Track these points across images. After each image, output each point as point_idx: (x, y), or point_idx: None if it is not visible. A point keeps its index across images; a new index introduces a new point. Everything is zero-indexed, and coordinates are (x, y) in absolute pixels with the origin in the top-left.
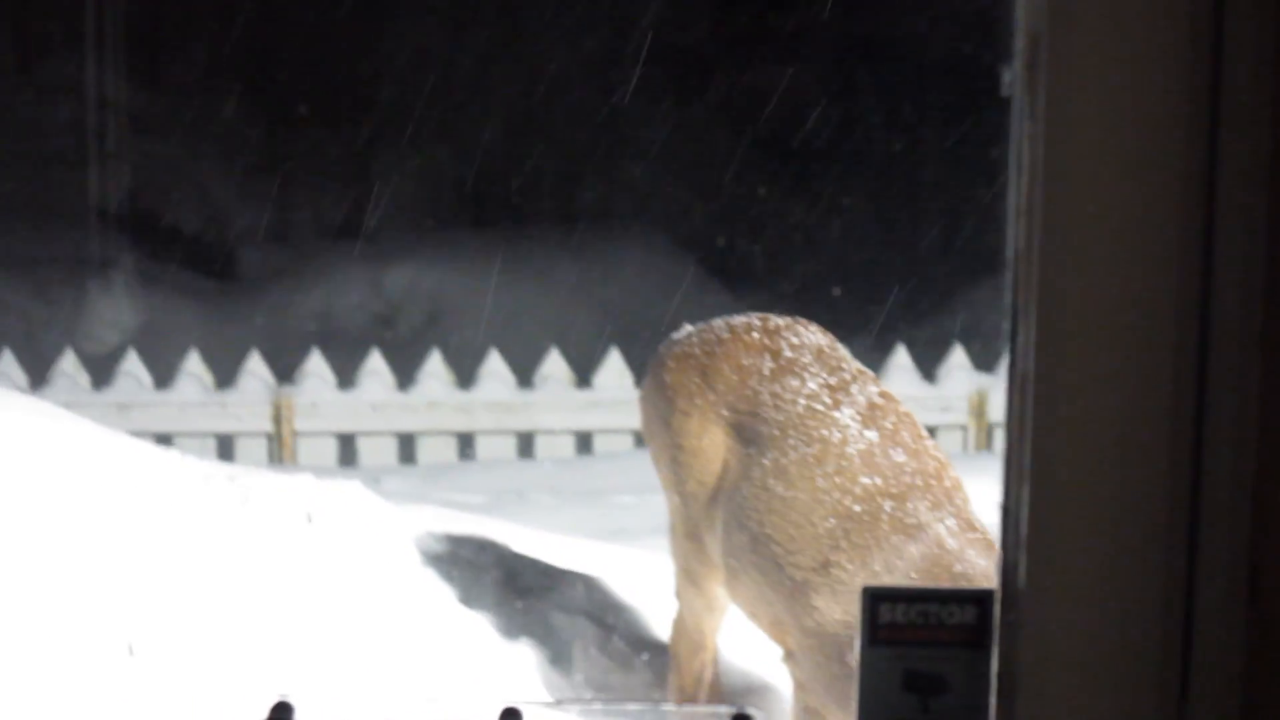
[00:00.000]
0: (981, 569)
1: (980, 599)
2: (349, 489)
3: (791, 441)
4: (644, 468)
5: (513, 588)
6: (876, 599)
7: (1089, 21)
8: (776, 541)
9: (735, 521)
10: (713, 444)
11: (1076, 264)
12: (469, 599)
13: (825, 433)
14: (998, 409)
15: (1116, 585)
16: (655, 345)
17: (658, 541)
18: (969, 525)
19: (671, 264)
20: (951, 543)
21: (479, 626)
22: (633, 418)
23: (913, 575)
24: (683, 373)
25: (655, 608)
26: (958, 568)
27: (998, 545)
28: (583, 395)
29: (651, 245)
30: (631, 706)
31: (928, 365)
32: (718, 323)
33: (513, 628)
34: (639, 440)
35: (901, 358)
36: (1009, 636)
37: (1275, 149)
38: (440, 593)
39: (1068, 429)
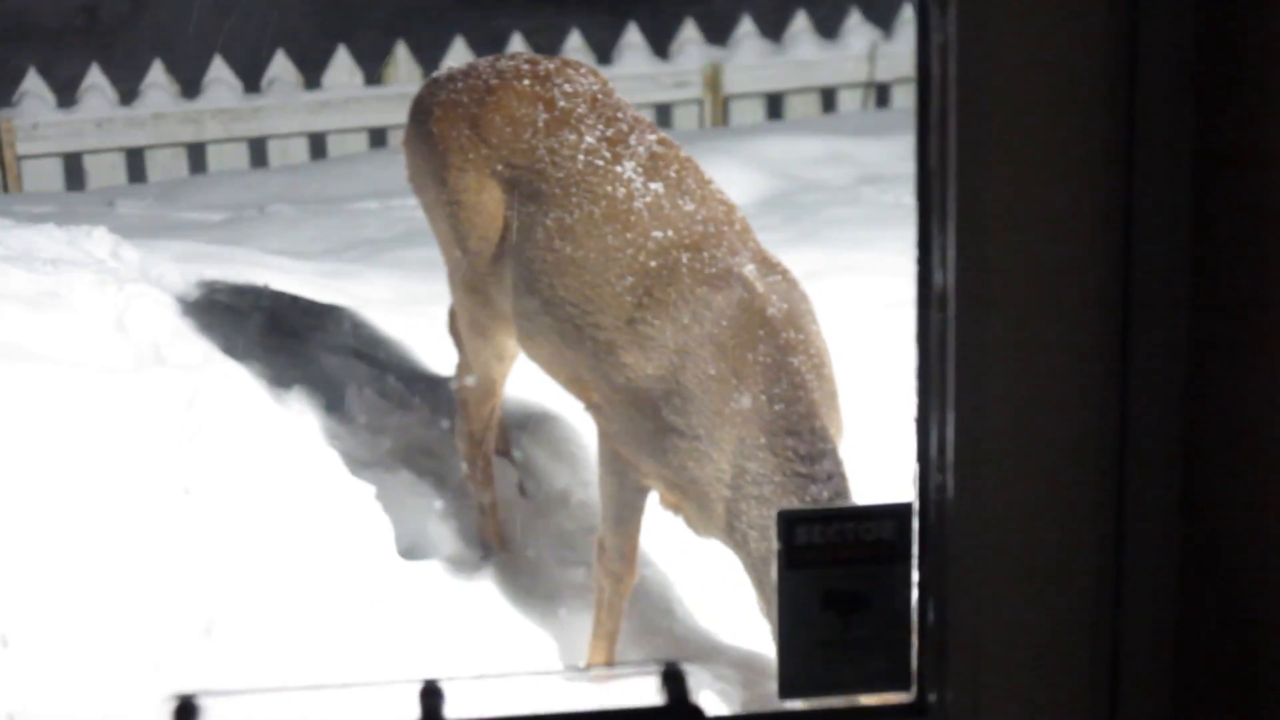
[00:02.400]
0: (787, 311)
1: (898, 513)
2: (98, 237)
3: (575, 200)
4: (382, 170)
5: (280, 331)
6: (791, 522)
7: None
8: (572, 303)
9: (525, 285)
10: (492, 199)
11: (996, 179)
12: (235, 349)
13: (609, 189)
14: (732, 83)
15: (1046, 490)
16: (379, 39)
17: (405, 254)
18: (768, 265)
19: None
20: (759, 286)
21: (245, 381)
22: (366, 117)
23: (723, 323)
24: (452, 124)
25: (420, 335)
26: (770, 310)
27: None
28: (312, 97)
29: None
30: (553, 672)
31: (660, 41)
32: (483, 65)
33: (285, 377)
34: (374, 140)
35: (633, 35)
36: (935, 550)
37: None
38: (205, 348)
39: (992, 348)
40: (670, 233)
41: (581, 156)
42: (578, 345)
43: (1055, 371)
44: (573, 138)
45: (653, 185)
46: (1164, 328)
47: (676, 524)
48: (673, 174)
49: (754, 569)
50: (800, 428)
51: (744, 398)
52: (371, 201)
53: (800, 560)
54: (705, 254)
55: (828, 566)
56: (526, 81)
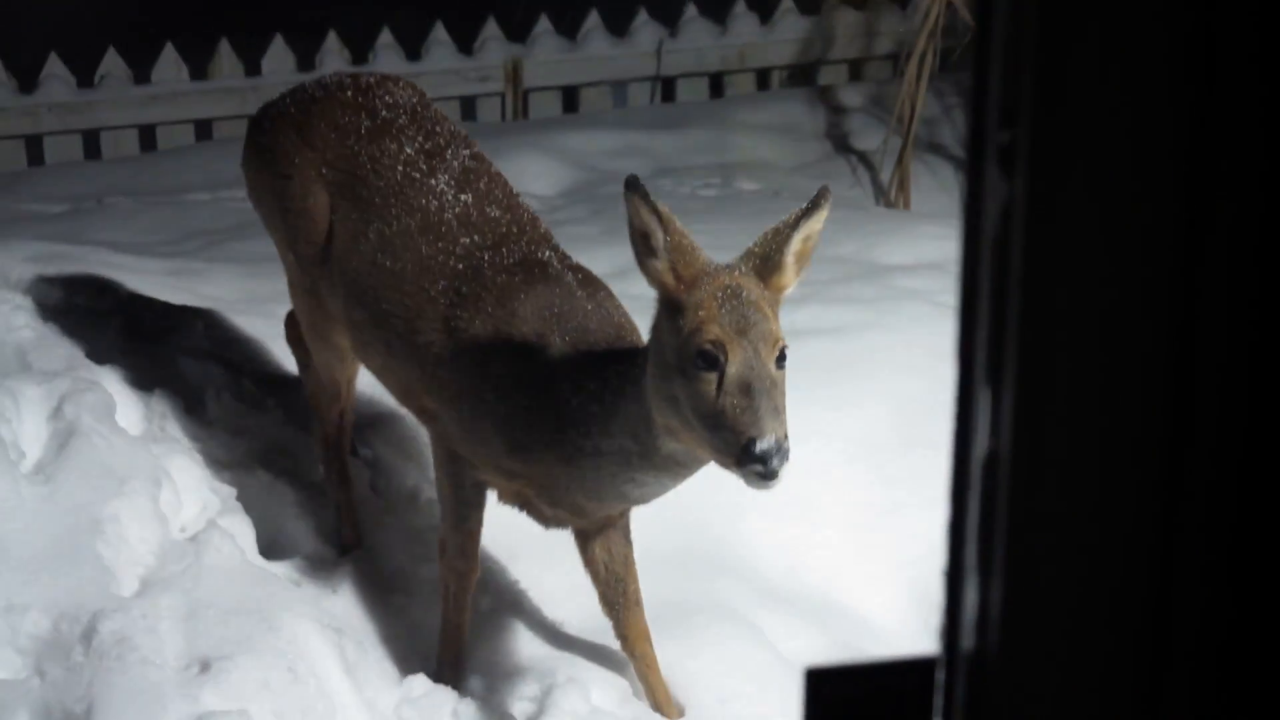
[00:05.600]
0: (590, 291)
1: (922, 668)
2: None
3: (394, 212)
4: (210, 163)
5: (138, 335)
6: (819, 680)
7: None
8: (396, 316)
9: (354, 297)
10: (319, 204)
11: (1060, 347)
12: (97, 354)
13: (424, 201)
14: (531, 77)
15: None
16: (207, 35)
17: (242, 247)
18: (568, 262)
19: None
20: (554, 267)
21: (112, 381)
22: (194, 109)
23: (521, 296)
24: (280, 133)
25: (271, 336)
26: (570, 281)
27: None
28: (142, 91)
29: None
30: None
31: (464, 39)
32: (309, 83)
33: (145, 380)
34: (201, 132)
35: (440, 33)
36: (973, 707)
37: None
38: (68, 353)
39: (1046, 517)
40: (476, 237)
41: (400, 167)
42: (406, 357)
43: (1105, 530)
44: (393, 147)
45: (462, 196)
46: (1213, 511)
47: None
48: (482, 186)
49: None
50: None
51: (560, 371)
52: (203, 193)
53: (824, 717)
54: (504, 249)
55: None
56: (349, 93)
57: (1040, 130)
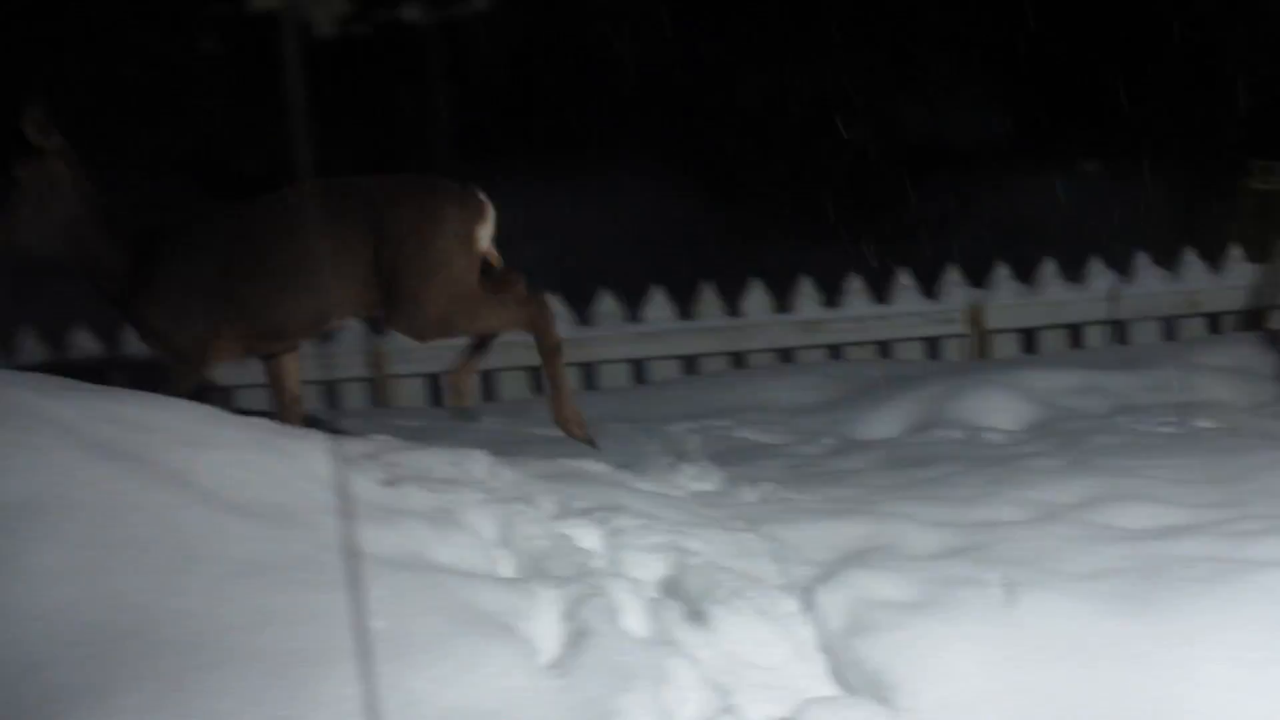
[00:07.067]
0: None
1: None
2: (478, 458)
3: None
4: (693, 396)
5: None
6: None
7: None
8: None
9: None
10: None
11: None
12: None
13: None
14: (992, 320)
15: None
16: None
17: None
18: None
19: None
20: None
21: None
22: (680, 346)
23: None
24: None
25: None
26: None
27: None
28: (634, 328)
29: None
30: None
31: (928, 285)
32: None
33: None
34: (688, 366)
35: (907, 279)
36: None
37: None
38: (580, 560)
39: None
40: None
41: None
42: None
43: None
44: None
45: None
46: None
47: None
48: None
49: None
50: None
51: None
52: (688, 423)
53: None
54: None
55: None
56: None
57: None
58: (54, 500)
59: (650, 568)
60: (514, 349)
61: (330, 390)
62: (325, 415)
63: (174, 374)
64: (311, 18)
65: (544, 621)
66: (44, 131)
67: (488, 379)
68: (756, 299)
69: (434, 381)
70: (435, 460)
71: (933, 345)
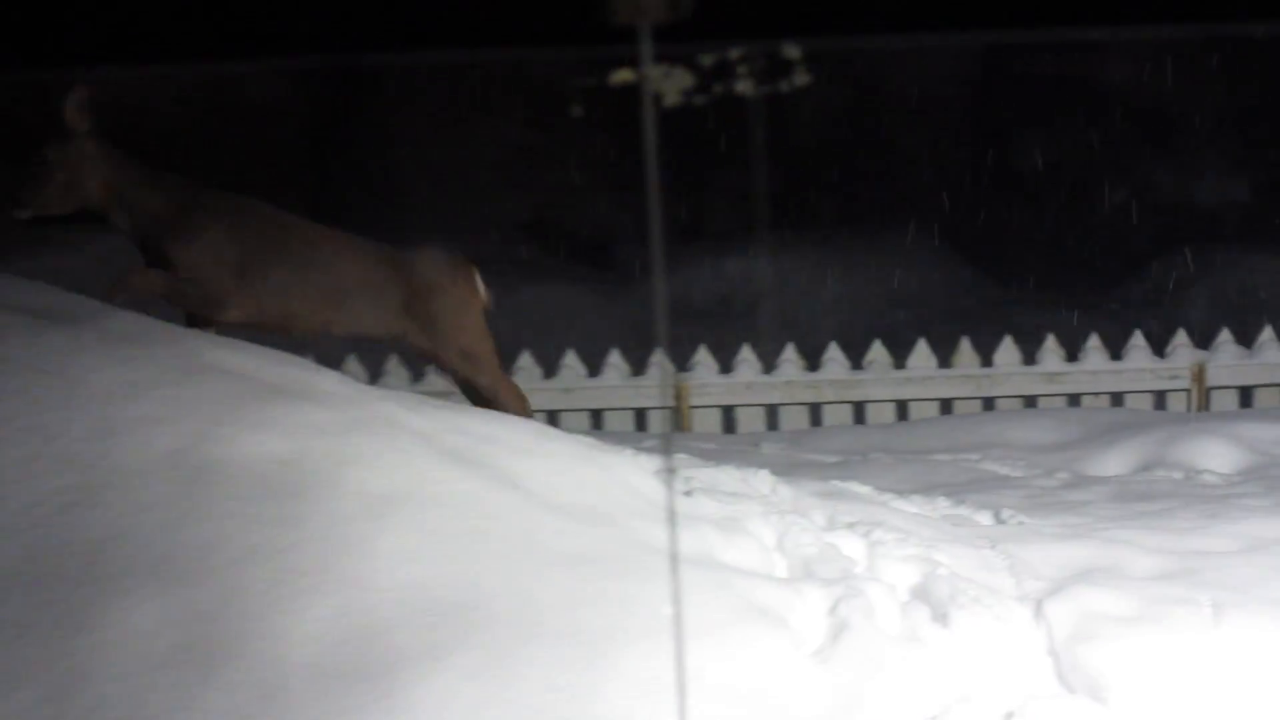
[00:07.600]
0: None
1: None
2: (762, 477)
3: None
4: (951, 432)
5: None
6: None
7: None
8: None
9: None
10: None
11: None
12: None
13: None
14: (1214, 378)
15: None
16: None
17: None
18: None
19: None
20: None
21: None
22: (938, 390)
23: None
24: None
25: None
26: None
27: None
28: (900, 374)
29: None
30: None
31: (1158, 344)
32: None
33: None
34: (944, 408)
35: (1139, 339)
36: None
37: None
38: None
39: None
40: None
41: None
42: None
43: None
44: None
45: None
46: None
47: None
48: None
49: None
50: None
51: None
52: (945, 455)
53: None
54: None
55: None
56: None
57: None
58: (412, 494)
59: (903, 575)
60: (794, 387)
61: (639, 416)
62: (633, 437)
63: (181, 303)
64: (660, 90)
65: (810, 616)
66: (78, 117)
67: (772, 412)
68: (1006, 352)
69: (728, 412)
70: (726, 477)
71: (1160, 398)
